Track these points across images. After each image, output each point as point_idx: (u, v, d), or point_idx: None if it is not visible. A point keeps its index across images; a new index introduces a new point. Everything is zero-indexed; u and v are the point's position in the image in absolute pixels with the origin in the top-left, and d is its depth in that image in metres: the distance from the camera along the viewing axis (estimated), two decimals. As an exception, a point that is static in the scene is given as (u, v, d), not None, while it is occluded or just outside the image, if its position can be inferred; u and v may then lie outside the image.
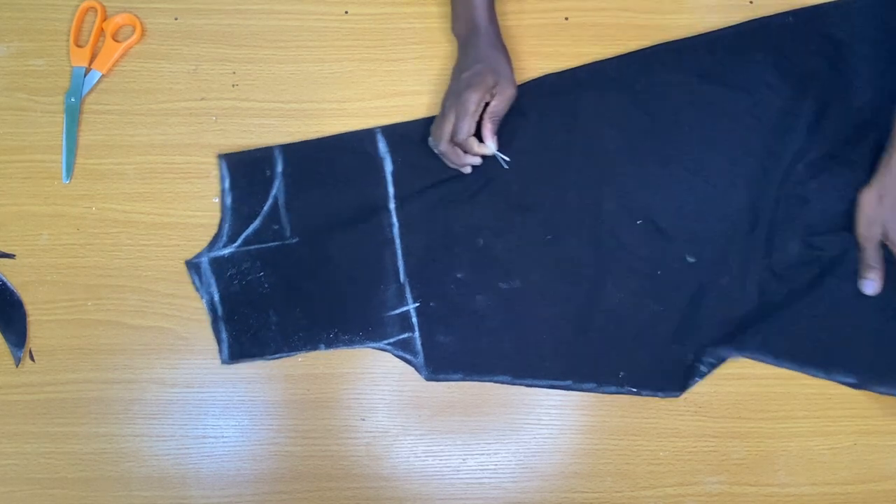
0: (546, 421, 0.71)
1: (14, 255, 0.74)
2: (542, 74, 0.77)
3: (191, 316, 0.73)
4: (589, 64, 0.76)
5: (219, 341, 0.72)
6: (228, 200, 0.73)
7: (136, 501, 0.70)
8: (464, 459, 0.71)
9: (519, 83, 0.73)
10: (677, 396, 0.70)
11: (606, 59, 0.76)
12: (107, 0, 0.79)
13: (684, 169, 0.74)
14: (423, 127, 0.74)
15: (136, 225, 0.75)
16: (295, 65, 0.78)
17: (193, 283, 0.72)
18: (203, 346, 0.72)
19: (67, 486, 0.70)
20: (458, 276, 0.72)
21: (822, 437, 0.70)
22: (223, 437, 0.71)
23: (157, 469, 0.70)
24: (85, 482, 0.70)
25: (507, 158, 0.72)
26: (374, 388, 0.72)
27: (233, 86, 0.78)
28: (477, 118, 0.70)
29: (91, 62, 0.78)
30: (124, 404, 0.71)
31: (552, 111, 0.75)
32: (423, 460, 0.70)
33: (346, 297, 0.72)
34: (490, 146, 0.70)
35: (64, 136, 0.76)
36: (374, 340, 0.71)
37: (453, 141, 0.70)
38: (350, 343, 0.71)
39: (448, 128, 0.70)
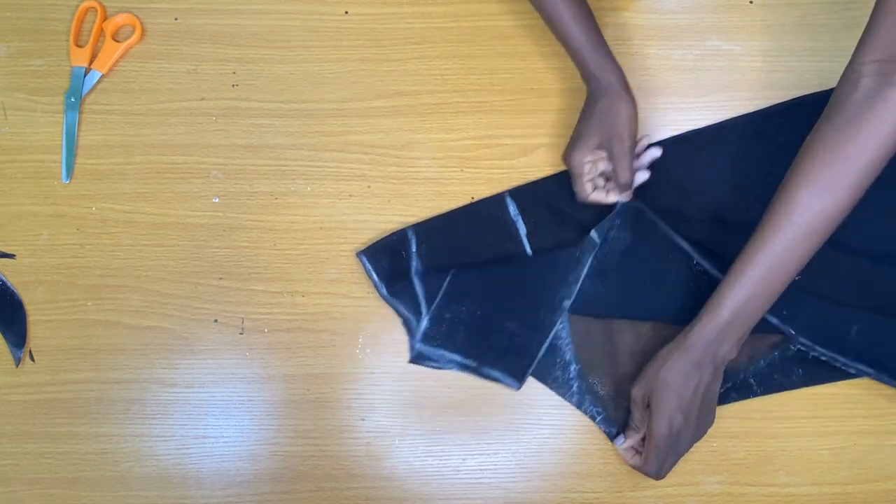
0: (546, 421, 0.71)
1: (14, 255, 0.74)
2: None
3: (191, 316, 0.73)
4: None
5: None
6: (384, 291, 0.72)
7: (136, 501, 0.70)
8: (464, 459, 0.70)
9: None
10: None
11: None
12: (107, 0, 0.79)
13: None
14: (552, 185, 0.74)
15: (136, 225, 0.75)
16: (295, 65, 0.78)
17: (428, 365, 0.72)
18: (203, 346, 0.72)
19: (67, 486, 0.70)
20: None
21: (822, 437, 0.70)
22: (223, 437, 0.71)
23: (157, 469, 0.70)
24: (85, 482, 0.70)
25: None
26: (374, 388, 0.72)
27: (233, 86, 0.78)
28: (590, 178, 0.70)
29: (91, 62, 0.78)
30: (124, 404, 0.71)
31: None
32: (423, 460, 0.70)
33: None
34: (621, 199, 0.71)
35: (64, 136, 0.76)
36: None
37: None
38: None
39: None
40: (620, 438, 0.68)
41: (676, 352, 0.63)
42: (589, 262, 0.71)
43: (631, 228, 0.72)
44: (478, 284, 0.72)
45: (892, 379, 0.68)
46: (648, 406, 0.65)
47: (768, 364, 0.70)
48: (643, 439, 0.67)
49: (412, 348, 0.72)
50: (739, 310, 0.62)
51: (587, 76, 0.70)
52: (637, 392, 0.65)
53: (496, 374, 0.71)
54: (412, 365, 0.72)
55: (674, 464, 0.66)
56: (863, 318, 0.69)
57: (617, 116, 0.68)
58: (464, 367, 0.71)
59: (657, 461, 0.64)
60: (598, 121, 0.68)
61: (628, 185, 0.70)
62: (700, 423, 0.65)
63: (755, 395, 0.70)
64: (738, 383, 0.70)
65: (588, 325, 0.72)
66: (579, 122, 0.70)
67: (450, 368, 0.71)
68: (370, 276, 0.72)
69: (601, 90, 0.69)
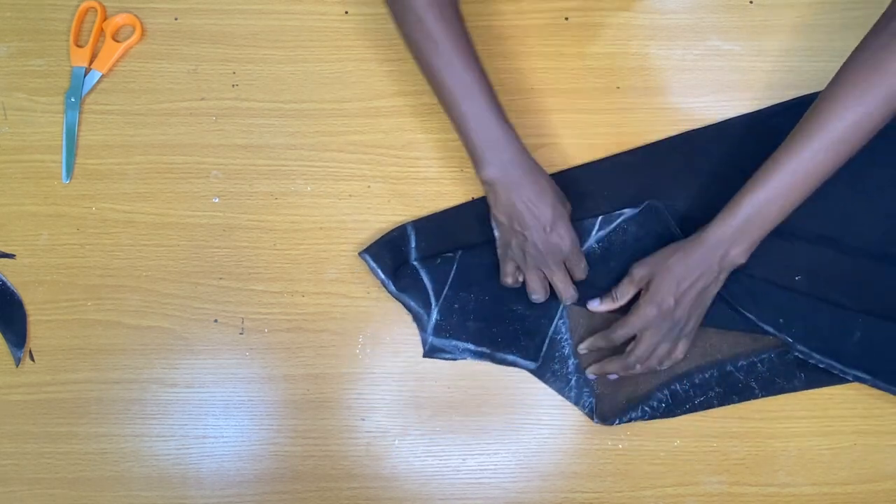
0: (546, 421, 0.71)
1: (14, 255, 0.74)
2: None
3: (191, 316, 0.73)
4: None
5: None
6: (392, 287, 0.71)
7: (136, 501, 0.70)
8: (464, 459, 0.71)
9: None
10: None
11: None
12: (107, 0, 0.79)
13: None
14: None
15: (136, 225, 0.75)
16: (295, 65, 0.78)
17: (444, 357, 0.72)
18: (203, 346, 0.72)
19: (67, 486, 0.70)
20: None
21: (822, 437, 0.70)
22: (223, 437, 0.71)
23: (157, 469, 0.70)
24: (85, 482, 0.70)
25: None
26: (374, 388, 0.72)
27: (233, 86, 0.78)
28: None
29: (91, 62, 0.78)
30: (124, 404, 0.71)
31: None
32: (423, 460, 0.70)
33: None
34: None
35: (64, 136, 0.76)
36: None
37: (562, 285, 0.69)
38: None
39: (564, 279, 0.69)
40: (595, 301, 0.69)
41: (689, 244, 0.65)
42: (590, 241, 0.72)
43: (641, 223, 0.72)
44: (483, 270, 0.72)
45: (888, 385, 0.68)
46: (644, 287, 0.66)
47: (769, 368, 0.70)
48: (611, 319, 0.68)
49: (424, 342, 0.72)
50: (757, 212, 0.63)
51: (514, 151, 0.67)
52: (638, 270, 0.67)
53: (511, 357, 0.71)
54: (412, 365, 0.72)
55: (644, 354, 0.66)
56: (864, 324, 0.69)
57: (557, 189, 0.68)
58: (478, 355, 0.71)
59: (626, 330, 0.67)
60: (556, 194, 0.67)
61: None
62: (685, 323, 0.66)
63: (756, 397, 0.70)
64: (740, 386, 0.70)
65: (587, 321, 0.72)
66: (533, 213, 0.67)
67: (464, 358, 0.71)
68: (376, 275, 0.72)
69: (536, 166, 0.67)
